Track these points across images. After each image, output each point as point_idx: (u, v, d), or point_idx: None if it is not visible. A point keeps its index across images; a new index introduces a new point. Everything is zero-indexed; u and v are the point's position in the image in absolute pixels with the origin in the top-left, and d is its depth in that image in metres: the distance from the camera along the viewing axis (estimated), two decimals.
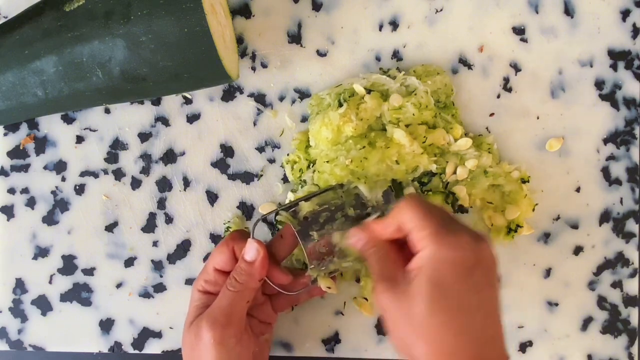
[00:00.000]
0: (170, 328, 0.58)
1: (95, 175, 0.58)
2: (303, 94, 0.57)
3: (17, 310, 0.58)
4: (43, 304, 0.58)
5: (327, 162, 0.53)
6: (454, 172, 0.55)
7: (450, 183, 0.55)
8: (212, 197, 0.58)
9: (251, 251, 0.50)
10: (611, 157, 0.57)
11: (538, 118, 0.57)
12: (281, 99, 0.57)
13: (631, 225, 0.57)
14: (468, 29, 0.57)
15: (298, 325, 0.58)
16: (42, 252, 0.58)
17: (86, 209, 0.58)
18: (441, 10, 0.57)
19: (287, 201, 0.56)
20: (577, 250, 0.57)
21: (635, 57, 0.57)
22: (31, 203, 0.58)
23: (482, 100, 0.57)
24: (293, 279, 0.52)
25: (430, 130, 0.54)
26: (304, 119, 0.57)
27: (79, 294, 0.58)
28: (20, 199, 0.58)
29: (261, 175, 0.58)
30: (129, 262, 0.58)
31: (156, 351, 0.58)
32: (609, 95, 0.57)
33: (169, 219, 0.58)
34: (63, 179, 0.58)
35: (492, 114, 0.57)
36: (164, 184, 0.58)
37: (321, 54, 0.57)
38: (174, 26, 0.47)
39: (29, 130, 0.58)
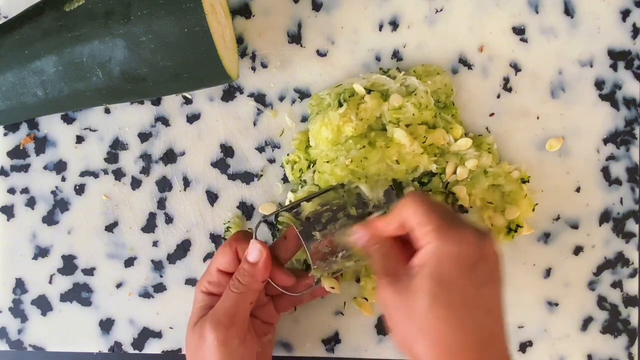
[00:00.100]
0: (170, 328, 0.58)
1: (95, 175, 0.58)
2: (303, 94, 0.57)
3: (17, 310, 0.58)
4: (43, 304, 0.58)
5: (327, 162, 0.53)
6: (454, 172, 0.55)
7: (450, 183, 0.55)
8: (212, 197, 0.58)
9: (254, 252, 0.50)
10: (611, 157, 0.57)
11: (538, 118, 0.57)
12: (281, 99, 0.57)
13: (631, 225, 0.57)
14: (468, 29, 0.57)
15: (298, 325, 0.58)
16: (42, 252, 0.58)
17: (86, 209, 0.58)
18: (441, 10, 0.57)
19: (287, 201, 0.56)
20: (577, 250, 0.57)
21: (635, 57, 0.57)
22: (31, 203, 0.58)
23: (482, 100, 0.57)
24: (296, 280, 0.52)
25: (430, 130, 0.54)
26: (304, 119, 0.57)
27: (79, 294, 0.58)
28: (20, 199, 0.58)
29: (261, 175, 0.58)
30: (129, 262, 0.58)
31: (156, 351, 0.58)
32: (609, 95, 0.57)
33: (169, 219, 0.58)
34: (63, 179, 0.58)
35: (492, 114, 0.57)
36: (164, 184, 0.58)
37: (321, 54, 0.57)
38: (174, 26, 0.47)
39: (29, 130, 0.58)
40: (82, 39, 0.49)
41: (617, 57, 0.57)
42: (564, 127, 0.57)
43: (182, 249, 0.58)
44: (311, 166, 0.55)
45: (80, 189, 0.58)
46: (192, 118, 0.58)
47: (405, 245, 0.46)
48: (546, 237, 0.57)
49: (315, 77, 0.57)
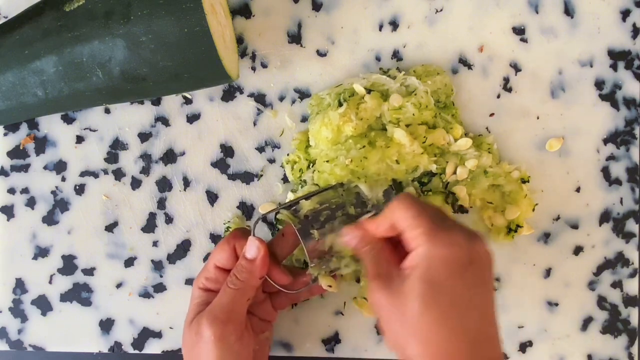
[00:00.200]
0: (170, 328, 0.58)
1: (95, 175, 0.58)
2: (303, 94, 0.57)
3: (17, 310, 0.58)
4: (43, 304, 0.58)
5: (327, 161, 0.53)
6: (454, 172, 0.55)
7: (450, 183, 0.55)
8: (212, 197, 0.58)
9: (252, 249, 0.50)
10: (611, 157, 0.57)
11: (538, 118, 0.57)
12: (281, 99, 0.57)
13: (631, 225, 0.57)
14: (468, 29, 0.57)
15: (298, 325, 0.58)
16: (42, 252, 0.58)
17: (86, 209, 0.58)
18: (441, 10, 0.57)
19: (287, 201, 0.56)
20: (577, 250, 0.57)
21: (635, 57, 0.57)
22: (31, 203, 0.58)
23: (482, 100, 0.57)
24: (293, 278, 0.52)
25: (430, 130, 0.54)
26: (304, 119, 0.57)
27: (79, 294, 0.58)
28: (20, 199, 0.58)
29: (261, 175, 0.58)
30: (129, 262, 0.58)
31: (156, 351, 0.58)
32: (609, 95, 0.57)
33: (169, 219, 0.58)
34: (63, 179, 0.58)
35: (492, 114, 0.57)
36: (164, 184, 0.58)
37: (321, 54, 0.57)
38: (174, 26, 0.47)
39: (29, 130, 0.58)
40: (82, 39, 0.49)
41: (617, 57, 0.57)
42: (564, 127, 0.57)
43: (182, 249, 0.58)
44: (311, 166, 0.55)
45: (80, 189, 0.58)
46: (192, 118, 0.58)
47: (396, 247, 0.46)
48: (546, 237, 0.57)
49: (315, 77, 0.57)
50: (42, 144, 0.58)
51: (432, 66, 0.56)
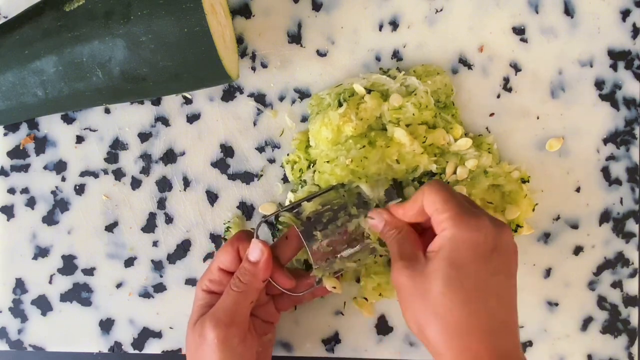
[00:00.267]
0: (170, 328, 0.58)
1: (95, 175, 0.58)
2: (303, 94, 0.57)
3: (17, 310, 0.58)
4: (43, 304, 0.58)
5: (327, 162, 0.53)
6: (454, 172, 0.55)
7: (451, 183, 0.55)
8: (212, 197, 0.58)
9: (255, 251, 0.50)
10: (611, 157, 0.57)
11: (538, 118, 0.57)
12: (281, 99, 0.57)
13: (631, 225, 0.57)
14: (468, 29, 0.57)
15: (298, 325, 0.58)
16: (42, 252, 0.58)
17: (86, 209, 0.58)
18: (441, 10, 0.57)
19: (287, 201, 0.56)
20: (577, 250, 0.57)
21: (635, 57, 0.57)
22: (31, 203, 0.58)
23: (482, 100, 0.57)
24: (297, 280, 0.52)
25: (430, 130, 0.54)
26: (304, 119, 0.57)
27: (79, 294, 0.58)
28: (20, 199, 0.58)
29: (261, 175, 0.58)
30: (129, 262, 0.58)
31: (156, 351, 0.58)
32: (609, 95, 0.57)
33: (169, 219, 0.58)
34: (63, 179, 0.58)
35: (492, 114, 0.57)
36: (164, 184, 0.58)
37: (321, 54, 0.57)
38: (174, 26, 0.47)
39: (29, 130, 0.58)
40: (82, 39, 0.49)
41: (617, 57, 0.57)
42: (564, 127, 0.57)
43: (182, 249, 0.58)
44: (311, 166, 0.55)
45: (80, 189, 0.58)
46: (192, 118, 0.58)
47: (421, 235, 0.47)
48: (546, 237, 0.57)
49: (315, 77, 0.57)
50: (42, 144, 0.58)
51: (432, 66, 0.56)
